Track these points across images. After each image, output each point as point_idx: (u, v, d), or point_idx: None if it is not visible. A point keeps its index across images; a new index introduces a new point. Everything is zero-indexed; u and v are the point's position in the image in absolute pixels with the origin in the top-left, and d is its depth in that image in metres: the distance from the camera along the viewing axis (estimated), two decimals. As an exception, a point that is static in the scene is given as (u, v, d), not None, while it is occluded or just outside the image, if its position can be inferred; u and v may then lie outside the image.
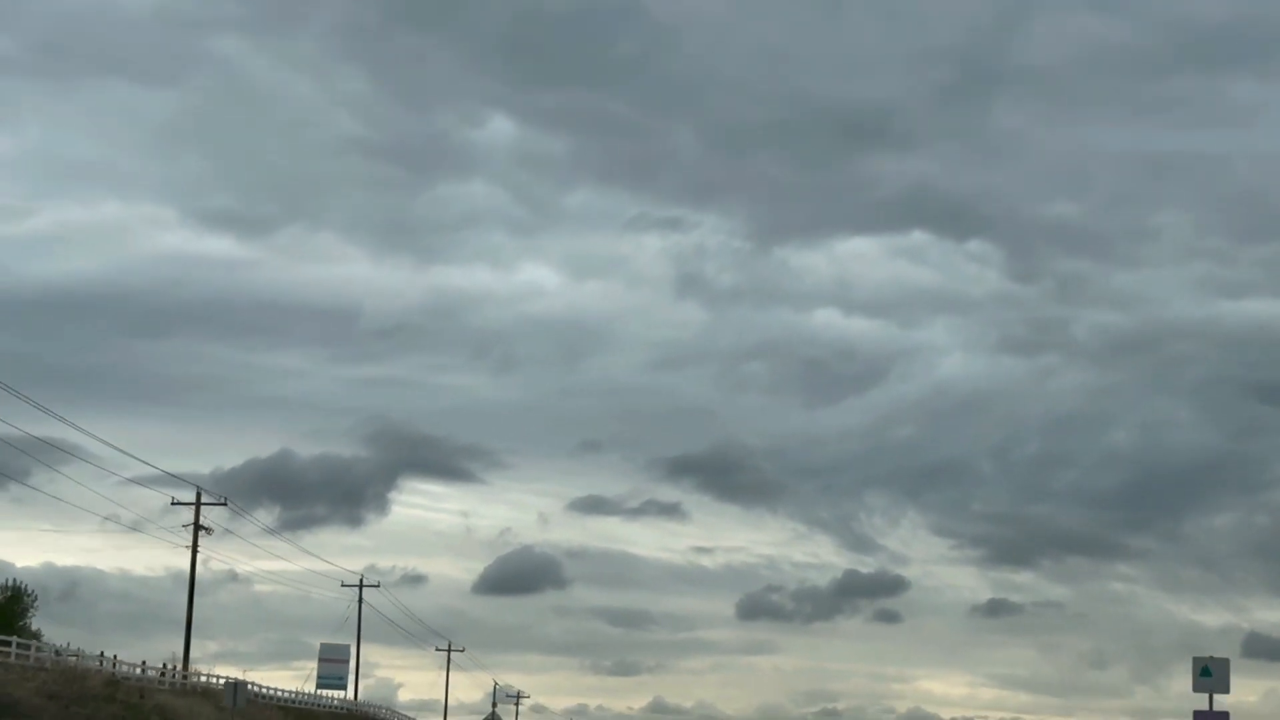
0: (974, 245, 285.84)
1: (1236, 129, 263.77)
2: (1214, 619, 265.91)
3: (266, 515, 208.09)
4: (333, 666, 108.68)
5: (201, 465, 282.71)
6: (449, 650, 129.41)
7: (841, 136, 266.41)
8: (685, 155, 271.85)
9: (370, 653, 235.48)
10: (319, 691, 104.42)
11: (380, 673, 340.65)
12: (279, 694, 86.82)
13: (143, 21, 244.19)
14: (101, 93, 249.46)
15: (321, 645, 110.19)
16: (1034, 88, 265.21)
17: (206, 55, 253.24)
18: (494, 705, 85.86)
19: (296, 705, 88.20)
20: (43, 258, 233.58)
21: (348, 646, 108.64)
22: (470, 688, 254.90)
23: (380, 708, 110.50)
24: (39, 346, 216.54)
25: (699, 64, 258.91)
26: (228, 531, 79.95)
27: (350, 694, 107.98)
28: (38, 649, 60.01)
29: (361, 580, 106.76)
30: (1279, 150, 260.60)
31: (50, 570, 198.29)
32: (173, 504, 74.48)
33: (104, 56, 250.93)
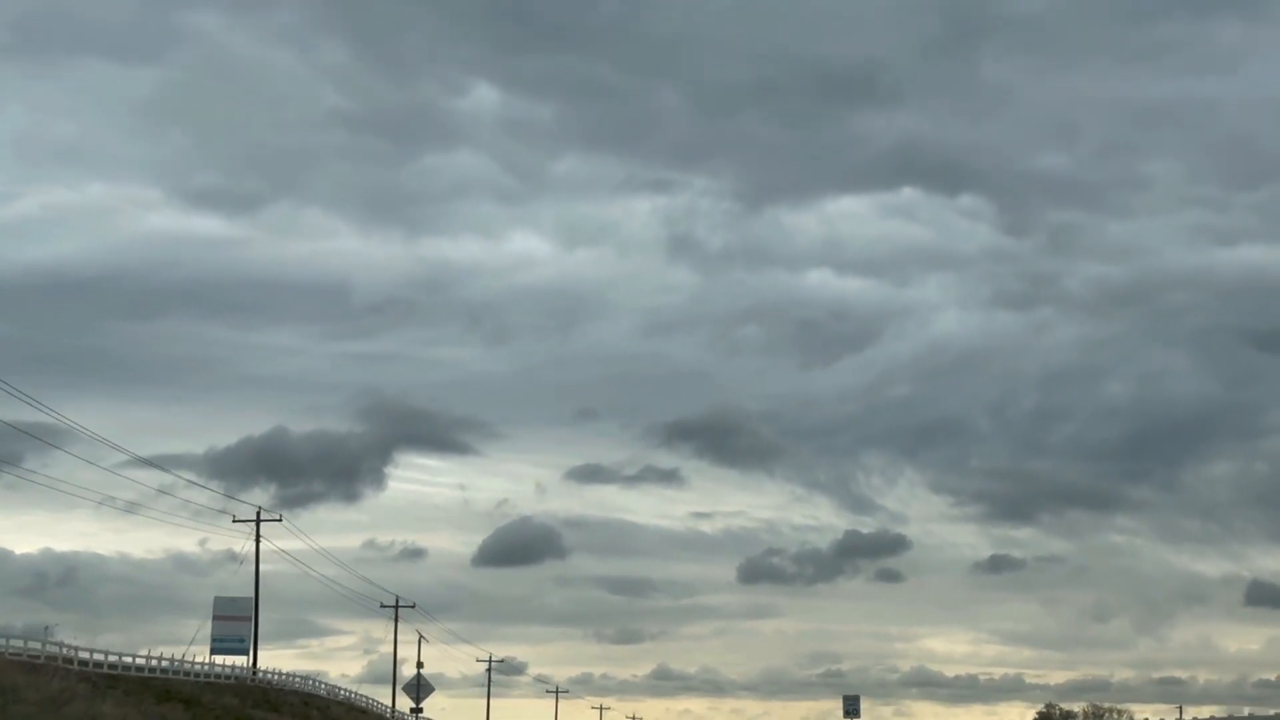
0: (965, 200, 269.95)
1: (1225, 74, 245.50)
2: (1214, 569, 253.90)
3: (262, 494, 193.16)
4: (231, 626, 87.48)
5: (195, 445, 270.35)
6: (396, 606, 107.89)
7: (828, 94, 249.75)
8: (672, 118, 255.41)
9: (373, 629, 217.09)
10: (213, 658, 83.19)
11: (384, 648, 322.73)
12: (114, 660, 65.42)
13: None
14: (81, 72, 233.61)
15: (216, 599, 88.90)
16: (1020, 38, 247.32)
17: (186, 31, 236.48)
18: (419, 666, 65.62)
19: (143, 674, 66.83)
20: (29, 242, 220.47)
21: (249, 600, 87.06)
22: (464, 660, 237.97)
23: (292, 676, 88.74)
24: (28, 331, 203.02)
25: (682, 24, 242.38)
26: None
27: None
28: None
29: (259, 514, 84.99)
30: (1268, 94, 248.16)
31: (49, 556, 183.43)
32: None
33: (82, 35, 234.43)
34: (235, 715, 68.32)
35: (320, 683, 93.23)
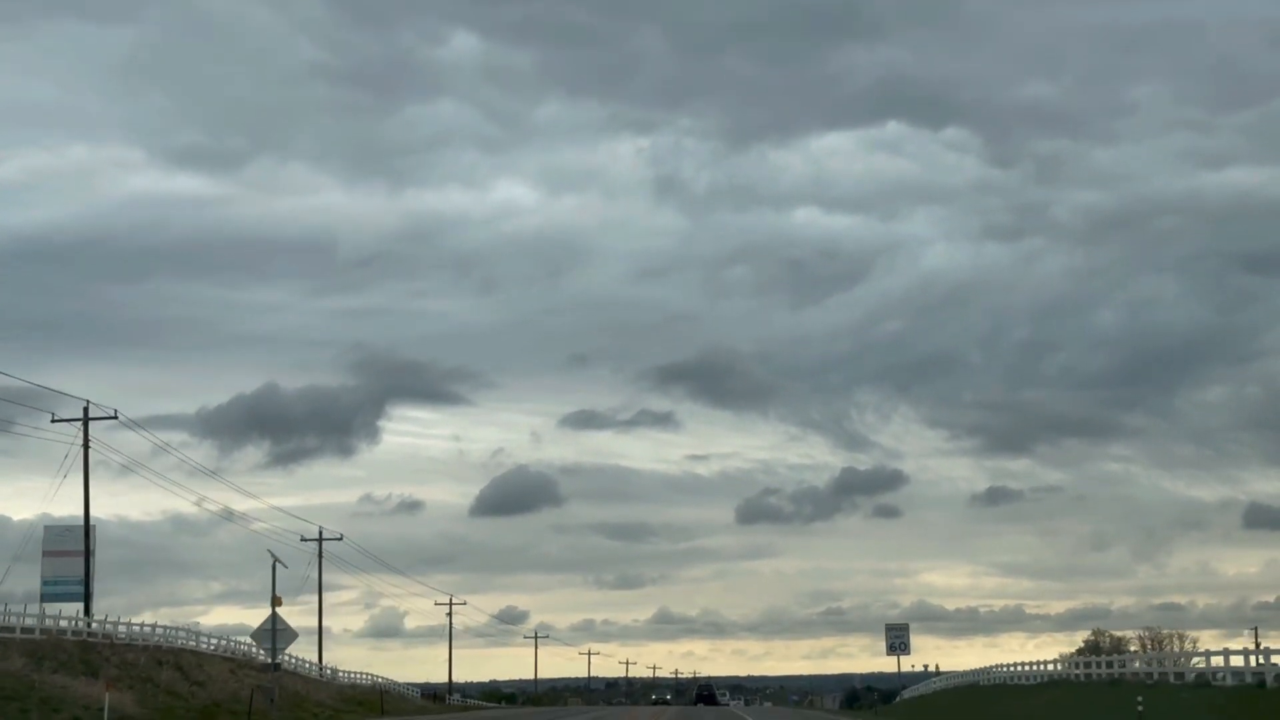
0: (950, 133, 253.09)
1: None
2: (1211, 494, 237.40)
3: (256, 451, 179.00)
4: (64, 564, 66.82)
5: (187, 405, 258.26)
6: (319, 539, 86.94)
7: (809, 29, 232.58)
8: (653, 58, 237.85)
9: (374, 583, 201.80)
10: (45, 606, 62.11)
11: (385, 602, 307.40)
12: None
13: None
14: (56, 34, 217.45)
15: (46, 530, 67.83)
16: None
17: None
18: (275, 605, 45.42)
19: None
20: (11, 207, 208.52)
21: (83, 529, 65.69)
22: (474, 613, 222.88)
23: (154, 628, 67.47)
24: (15, 297, 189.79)
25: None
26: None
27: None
28: None
29: (86, 411, 63.41)
30: (1253, 15, 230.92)
31: (47, 522, 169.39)
32: None
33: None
34: (-1, 684, 47.16)
35: (195, 635, 72.16)
